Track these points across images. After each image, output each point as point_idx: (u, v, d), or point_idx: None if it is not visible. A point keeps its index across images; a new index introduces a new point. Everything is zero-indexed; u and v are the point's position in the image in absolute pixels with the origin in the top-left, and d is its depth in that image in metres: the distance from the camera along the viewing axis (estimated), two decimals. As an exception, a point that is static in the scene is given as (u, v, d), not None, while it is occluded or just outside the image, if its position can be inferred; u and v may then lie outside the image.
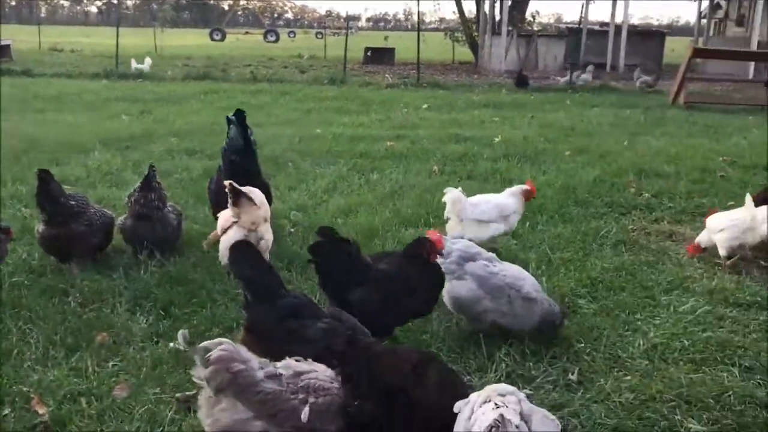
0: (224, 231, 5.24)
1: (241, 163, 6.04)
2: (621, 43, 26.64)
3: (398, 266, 4.15)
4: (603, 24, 30.90)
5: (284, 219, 6.78)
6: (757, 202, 5.66)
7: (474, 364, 4.10)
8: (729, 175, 8.85)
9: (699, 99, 17.50)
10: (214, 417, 2.94)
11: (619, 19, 27.55)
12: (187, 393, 3.68)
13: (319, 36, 51.08)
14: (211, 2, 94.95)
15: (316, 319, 3.48)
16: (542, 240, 6.24)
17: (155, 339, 4.37)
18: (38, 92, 16.87)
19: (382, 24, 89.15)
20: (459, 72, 27.32)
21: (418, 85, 20.75)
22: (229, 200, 5.16)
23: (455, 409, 2.77)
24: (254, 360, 3.03)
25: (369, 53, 31.01)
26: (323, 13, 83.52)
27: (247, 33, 62.30)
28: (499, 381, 3.80)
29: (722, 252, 5.68)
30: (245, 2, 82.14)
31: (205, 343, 2.94)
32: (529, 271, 4.70)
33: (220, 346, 2.92)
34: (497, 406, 2.62)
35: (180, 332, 3.01)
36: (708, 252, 5.92)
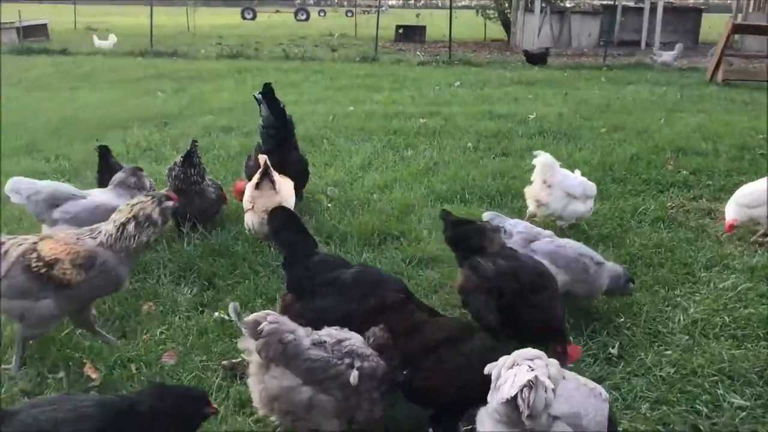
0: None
1: (278, 137, 6.11)
2: (657, 20, 26.10)
3: None
4: (638, 0, 30.24)
5: (321, 195, 6.84)
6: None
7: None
8: (769, 153, 8.70)
9: (737, 76, 17.12)
10: (264, 384, 3.02)
11: (655, -5, 26.99)
12: (233, 360, 3.78)
13: (349, 14, 50.80)
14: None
15: (346, 268, 3.60)
16: (580, 216, 6.22)
17: (200, 309, 4.49)
18: (76, 70, 17.11)
19: (412, 2, 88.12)
20: (491, 49, 27.03)
21: (450, 63, 20.60)
22: (255, 178, 5.26)
23: (485, 371, 2.82)
24: (300, 329, 3.12)
25: (401, 31, 30.79)
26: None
27: (277, 11, 62.17)
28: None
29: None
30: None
31: (253, 315, 3.04)
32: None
33: (269, 317, 3.02)
34: (531, 369, 2.67)
35: (231, 305, 3.08)
36: (741, 229, 5.84)
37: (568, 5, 30.86)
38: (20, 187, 4.79)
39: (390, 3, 76.89)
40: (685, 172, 7.76)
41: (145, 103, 12.36)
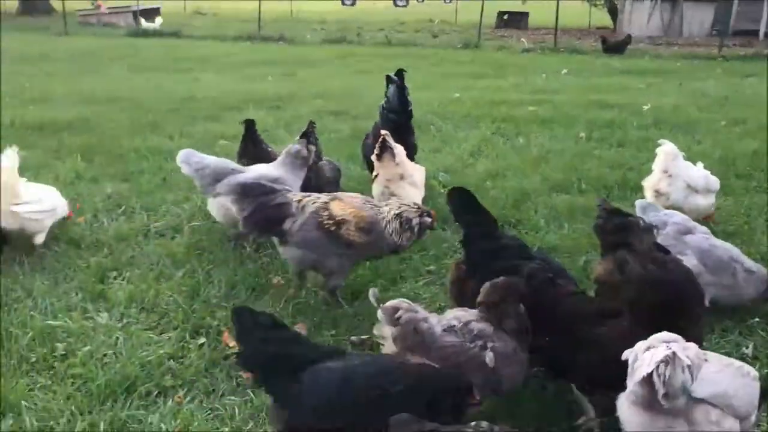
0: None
1: (398, 122, 6.21)
2: (778, 8, 24.63)
3: None
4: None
5: (433, 180, 6.88)
6: None
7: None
8: None
9: None
10: None
11: (776, -18, 25.43)
12: (362, 336, 3.90)
13: (448, 1, 50.43)
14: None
15: (528, 260, 3.55)
16: (702, 212, 6.01)
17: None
18: (189, 53, 17.82)
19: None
20: (596, 37, 26.26)
21: (554, 50, 20.18)
22: (375, 151, 5.37)
23: (623, 357, 2.78)
24: (431, 316, 3.17)
25: (505, 17, 30.33)
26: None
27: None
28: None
29: None
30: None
31: (390, 303, 3.11)
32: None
33: (405, 306, 3.08)
34: (668, 348, 2.64)
35: (371, 290, 3.19)
36: None
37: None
38: (191, 159, 5.10)
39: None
40: (816, 169, 7.34)
41: (257, 86, 12.76)
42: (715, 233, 5.43)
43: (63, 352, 3.76)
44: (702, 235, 4.28)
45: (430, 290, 4.59)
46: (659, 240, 4.11)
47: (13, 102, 10.42)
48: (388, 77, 6.33)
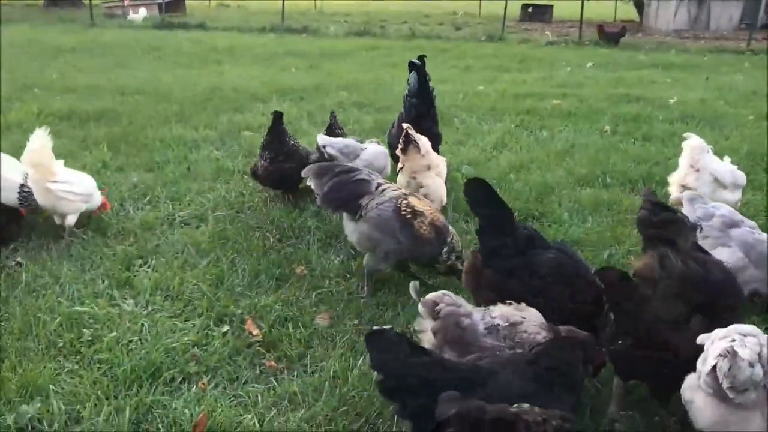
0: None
1: (420, 109, 6.21)
2: (809, 1, 24.15)
3: None
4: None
5: (456, 172, 6.87)
6: None
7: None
8: None
9: None
10: None
11: (809, -26, 24.92)
12: (384, 327, 3.90)
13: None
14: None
15: (545, 249, 3.58)
16: (730, 206, 5.92)
17: (347, 276, 4.65)
18: (214, 45, 17.90)
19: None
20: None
21: (579, 43, 19.98)
22: (400, 145, 5.39)
23: (698, 341, 2.80)
24: (476, 312, 3.14)
25: (529, 9, 30.07)
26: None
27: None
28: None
29: None
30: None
31: (431, 295, 3.11)
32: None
33: (446, 298, 3.08)
34: (733, 341, 2.63)
35: (412, 284, 3.21)
36: None
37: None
38: (331, 143, 5.74)
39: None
40: None
41: (281, 78, 12.78)
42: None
43: (90, 338, 3.82)
44: (747, 229, 4.21)
45: (453, 282, 4.58)
46: (705, 231, 4.13)
47: (41, 94, 10.55)
48: (410, 63, 6.33)
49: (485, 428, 2.34)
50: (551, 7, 30.19)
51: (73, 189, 4.98)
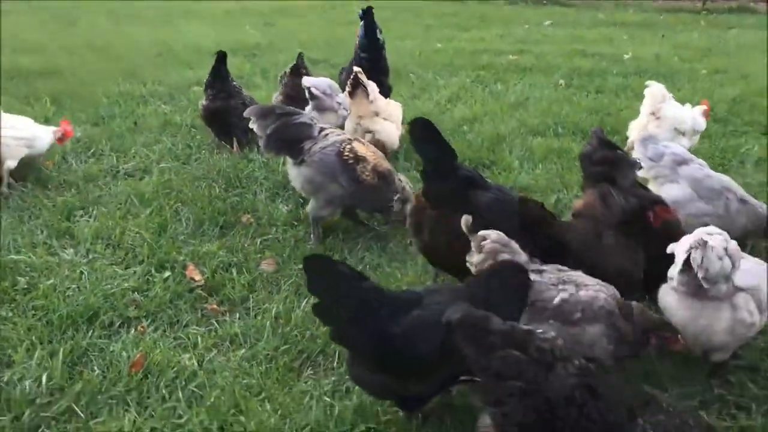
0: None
1: (370, 60, 6.14)
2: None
3: None
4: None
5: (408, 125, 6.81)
6: None
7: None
8: None
9: None
10: None
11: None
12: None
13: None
14: None
15: (485, 190, 3.57)
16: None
17: (295, 223, 4.59)
18: (169, 5, 17.40)
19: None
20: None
21: (538, 2, 19.90)
22: (347, 88, 5.35)
23: (668, 250, 2.95)
24: (524, 255, 3.06)
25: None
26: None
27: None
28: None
29: None
30: None
31: (483, 232, 3.05)
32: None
33: (494, 236, 3.03)
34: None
35: (464, 217, 3.10)
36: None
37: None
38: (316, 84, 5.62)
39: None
40: (793, 115, 7.33)
41: (236, 35, 12.49)
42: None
43: (26, 286, 3.73)
44: (697, 167, 4.25)
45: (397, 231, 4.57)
46: (657, 171, 4.20)
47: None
48: (359, 14, 6.25)
49: (487, 336, 2.28)
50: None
51: (14, 134, 4.88)
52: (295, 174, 4.32)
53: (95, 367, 3.09)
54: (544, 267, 3.06)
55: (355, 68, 5.36)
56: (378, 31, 6.32)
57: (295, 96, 5.87)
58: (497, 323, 2.27)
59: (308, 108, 5.51)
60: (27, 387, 2.94)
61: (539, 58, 10.44)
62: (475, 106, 7.58)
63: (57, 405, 2.86)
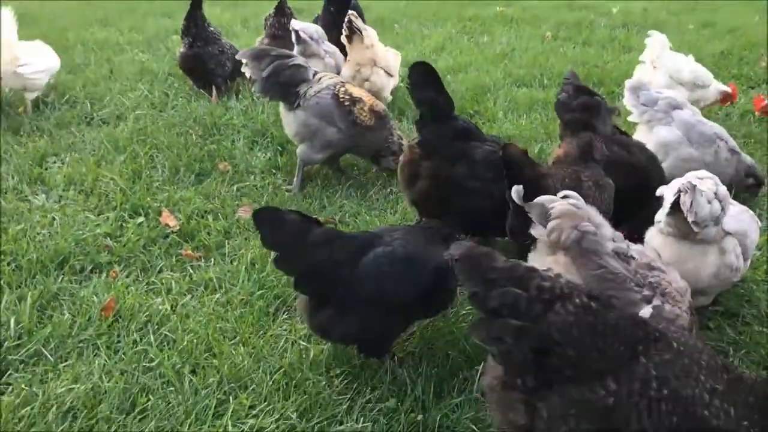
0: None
1: (339, 13, 5.97)
2: None
3: None
4: None
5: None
6: None
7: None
8: None
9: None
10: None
11: None
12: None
13: None
14: None
15: (480, 141, 3.48)
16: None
17: (273, 171, 4.50)
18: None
19: None
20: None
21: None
22: (344, 32, 5.22)
23: (657, 194, 2.95)
24: (607, 228, 2.64)
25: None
26: None
27: None
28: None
29: None
30: None
31: (539, 199, 2.64)
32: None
33: (567, 200, 2.64)
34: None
35: (515, 188, 2.70)
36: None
37: None
38: (304, 28, 5.42)
39: None
40: (779, 68, 7.27)
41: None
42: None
43: (-6, 231, 3.62)
44: (690, 112, 4.20)
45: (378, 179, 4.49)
46: (650, 115, 4.14)
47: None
48: None
49: (489, 272, 2.19)
50: None
51: (38, 68, 5.18)
52: (291, 119, 4.22)
53: (65, 311, 3.02)
54: (632, 252, 2.60)
55: (350, 12, 5.20)
56: None
57: (281, 36, 5.81)
58: (499, 260, 2.21)
59: (294, 51, 5.36)
60: (-6, 330, 2.88)
61: (526, 10, 10.26)
62: (460, 57, 7.45)
63: (25, 348, 2.80)
